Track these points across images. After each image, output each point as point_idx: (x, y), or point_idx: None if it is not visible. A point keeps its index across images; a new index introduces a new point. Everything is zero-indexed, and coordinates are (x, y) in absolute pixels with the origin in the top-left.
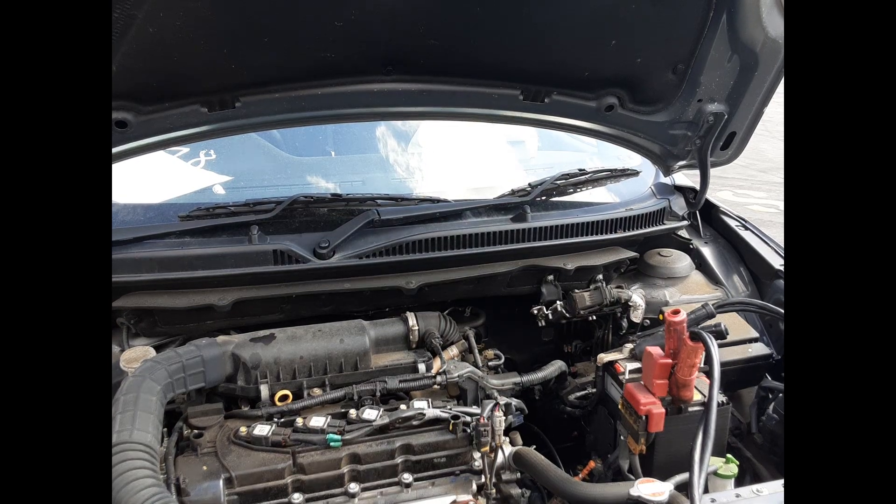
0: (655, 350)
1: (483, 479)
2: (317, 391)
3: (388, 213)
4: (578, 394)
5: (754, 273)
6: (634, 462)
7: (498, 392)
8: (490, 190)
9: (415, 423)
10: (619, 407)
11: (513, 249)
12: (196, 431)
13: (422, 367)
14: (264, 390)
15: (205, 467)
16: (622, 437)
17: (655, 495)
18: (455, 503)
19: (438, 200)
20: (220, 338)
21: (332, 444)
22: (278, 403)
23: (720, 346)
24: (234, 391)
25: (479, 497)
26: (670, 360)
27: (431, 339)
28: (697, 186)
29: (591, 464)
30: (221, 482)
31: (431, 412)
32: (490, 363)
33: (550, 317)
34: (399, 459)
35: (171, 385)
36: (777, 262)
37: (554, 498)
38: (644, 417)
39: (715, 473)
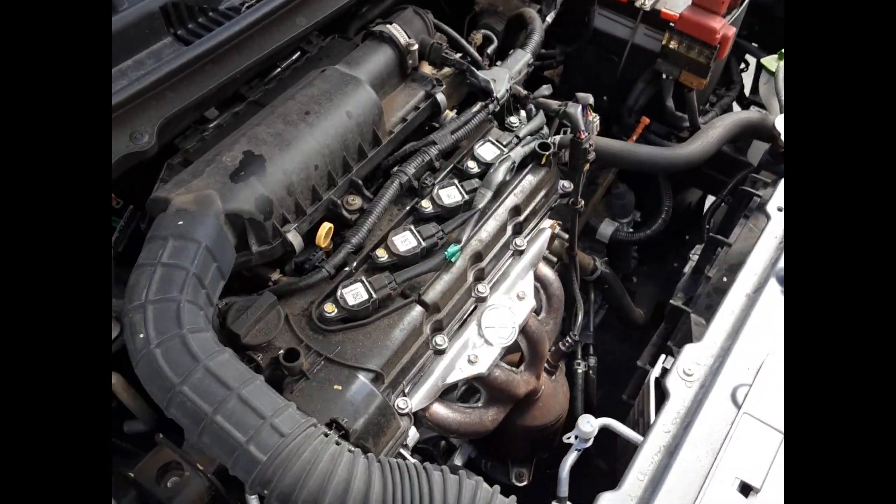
0: None
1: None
2: (354, 201)
3: None
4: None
5: None
6: (691, 100)
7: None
8: None
9: (507, 177)
10: (667, 44)
11: None
12: (283, 352)
13: (440, 97)
14: (295, 238)
15: (337, 386)
16: (666, 76)
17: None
18: (553, 228)
19: None
20: (182, 198)
21: (452, 259)
22: (322, 245)
23: None
24: (249, 262)
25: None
26: None
27: (442, 53)
28: None
29: (645, 120)
30: (369, 383)
31: (518, 153)
32: (487, 50)
33: None
34: (509, 229)
35: (206, 317)
36: None
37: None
38: (718, 45)
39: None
